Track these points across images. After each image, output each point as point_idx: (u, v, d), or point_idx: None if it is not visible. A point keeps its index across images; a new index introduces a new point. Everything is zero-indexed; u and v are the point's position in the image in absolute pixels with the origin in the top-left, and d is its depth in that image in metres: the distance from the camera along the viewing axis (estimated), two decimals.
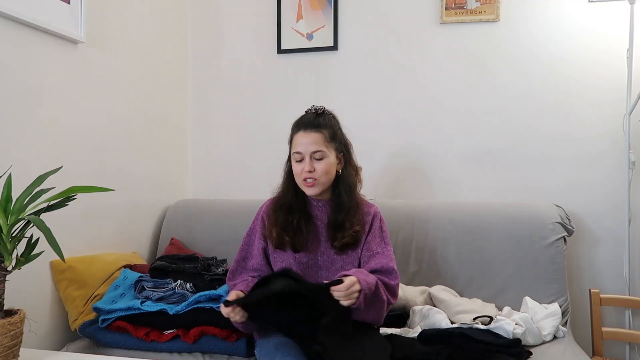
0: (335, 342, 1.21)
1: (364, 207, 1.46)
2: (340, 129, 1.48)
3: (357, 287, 1.20)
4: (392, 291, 1.35)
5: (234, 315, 1.24)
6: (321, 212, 1.46)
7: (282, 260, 1.44)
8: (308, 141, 1.39)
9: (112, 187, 1.22)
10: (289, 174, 1.48)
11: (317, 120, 1.42)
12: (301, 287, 1.20)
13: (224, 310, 1.24)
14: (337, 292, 1.17)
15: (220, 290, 1.51)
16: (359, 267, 1.41)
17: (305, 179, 1.39)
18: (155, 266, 1.60)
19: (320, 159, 1.39)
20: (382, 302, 1.30)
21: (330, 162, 1.40)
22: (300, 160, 1.40)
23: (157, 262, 1.64)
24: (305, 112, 1.47)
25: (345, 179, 1.44)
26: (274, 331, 1.35)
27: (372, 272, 1.36)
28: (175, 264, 1.63)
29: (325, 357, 1.19)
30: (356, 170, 1.49)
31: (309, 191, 1.41)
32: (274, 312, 1.28)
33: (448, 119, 2.13)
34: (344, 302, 1.18)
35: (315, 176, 1.38)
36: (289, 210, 1.43)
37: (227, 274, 1.49)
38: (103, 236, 1.83)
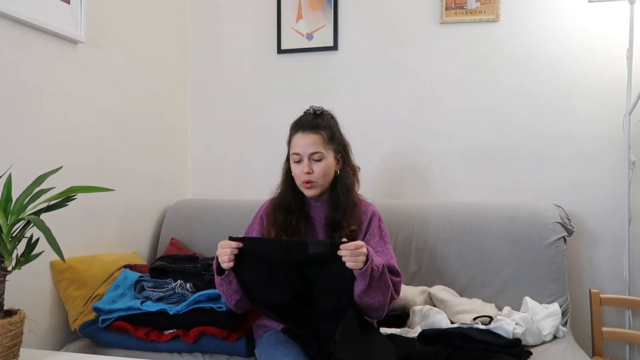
0: (346, 342, 1.19)
1: (361, 207, 1.46)
2: (338, 129, 1.49)
3: (364, 250, 1.18)
4: (395, 287, 1.35)
5: (228, 253, 1.21)
6: (319, 212, 1.46)
7: None
8: (306, 142, 1.40)
9: (112, 187, 1.22)
10: (287, 174, 1.49)
11: (316, 122, 1.43)
12: (307, 243, 1.20)
13: (224, 243, 1.22)
14: (344, 249, 1.16)
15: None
16: None
17: (304, 182, 1.40)
18: (155, 266, 1.60)
19: (319, 160, 1.40)
20: (388, 288, 1.28)
21: (328, 164, 1.41)
22: (299, 162, 1.41)
23: (157, 262, 1.63)
24: (304, 112, 1.48)
25: (343, 179, 1.45)
26: (252, 301, 1.32)
27: None
28: (175, 264, 1.63)
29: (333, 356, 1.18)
30: (354, 170, 1.50)
31: (308, 193, 1.42)
32: (262, 276, 1.26)
33: (448, 118, 2.13)
34: (349, 264, 1.16)
35: (313, 178, 1.39)
36: (288, 211, 1.44)
37: None
38: (103, 236, 1.83)
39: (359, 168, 1.52)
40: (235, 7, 2.36)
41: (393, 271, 1.36)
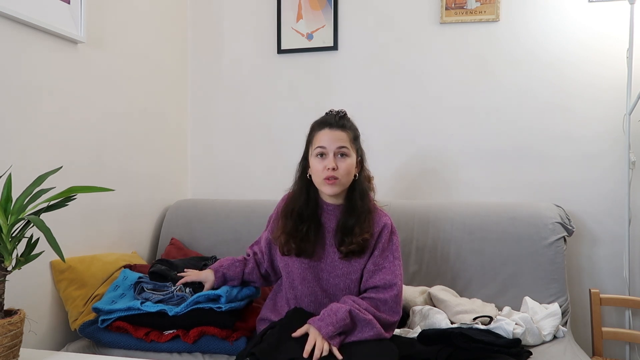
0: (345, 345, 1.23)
1: (375, 216, 1.43)
2: (359, 134, 1.48)
3: (317, 342, 1.21)
4: (386, 305, 1.35)
5: None
6: (331, 216, 1.44)
7: (285, 261, 1.45)
8: (334, 137, 1.37)
9: (112, 187, 1.23)
10: (302, 174, 1.46)
11: (342, 121, 1.42)
12: None
13: None
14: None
15: (219, 291, 1.51)
16: (361, 278, 1.41)
17: (326, 178, 1.36)
18: (155, 270, 1.59)
19: (344, 157, 1.37)
20: (368, 322, 1.28)
21: (352, 163, 1.39)
22: (323, 156, 1.38)
23: (156, 266, 1.60)
24: (326, 113, 1.46)
25: (361, 184, 1.43)
26: None
27: (372, 288, 1.37)
28: (176, 270, 1.60)
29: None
30: (369, 178, 1.48)
31: (329, 190, 1.37)
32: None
33: (447, 118, 2.13)
34: (320, 353, 1.20)
35: (337, 175, 1.36)
36: (299, 217, 1.42)
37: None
38: (103, 236, 1.83)
39: (373, 177, 1.51)
40: (235, 7, 2.36)
41: (386, 287, 1.36)
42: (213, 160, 2.40)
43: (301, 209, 1.42)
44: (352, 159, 1.39)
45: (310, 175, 1.43)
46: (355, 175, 1.42)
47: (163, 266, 1.61)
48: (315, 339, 1.21)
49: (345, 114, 1.45)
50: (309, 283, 1.41)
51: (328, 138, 1.38)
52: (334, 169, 1.35)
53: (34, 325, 1.42)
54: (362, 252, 1.39)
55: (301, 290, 1.42)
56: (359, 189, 1.42)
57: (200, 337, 1.48)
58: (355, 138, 1.43)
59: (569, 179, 2.01)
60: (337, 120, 1.41)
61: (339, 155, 1.37)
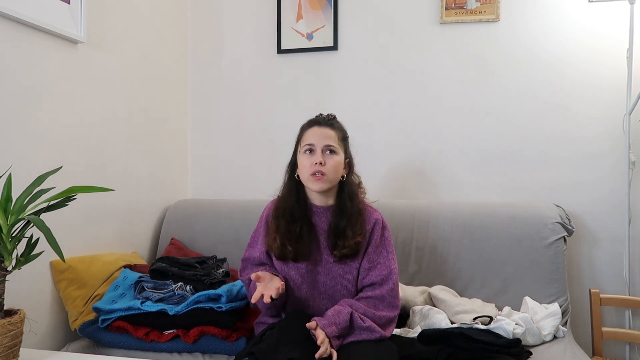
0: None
1: (365, 214, 1.44)
2: (348, 137, 1.48)
3: (324, 344, 1.21)
4: (384, 301, 1.36)
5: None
6: (322, 218, 1.44)
7: (284, 266, 1.43)
8: (322, 135, 1.39)
9: (112, 187, 1.23)
10: (291, 176, 1.46)
11: (331, 121, 1.44)
12: None
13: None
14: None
15: (220, 290, 1.51)
16: (358, 275, 1.41)
17: (314, 173, 1.36)
18: (155, 268, 1.59)
19: (332, 154, 1.39)
20: (366, 328, 1.29)
21: (340, 160, 1.40)
22: (311, 152, 1.39)
23: (157, 264, 1.62)
24: (316, 116, 1.48)
25: (350, 185, 1.44)
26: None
27: (368, 285, 1.38)
28: (176, 267, 1.61)
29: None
30: (358, 184, 1.49)
31: (316, 185, 1.37)
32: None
33: (448, 118, 2.13)
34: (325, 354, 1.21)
35: (324, 170, 1.36)
36: (291, 218, 1.41)
37: (238, 272, 1.52)
38: (103, 236, 1.82)
39: (361, 182, 1.50)
40: (235, 7, 2.36)
41: (382, 284, 1.36)
42: (213, 160, 2.40)
43: (292, 209, 1.42)
44: (340, 157, 1.40)
45: (298, 176, 1.43)
46: (342, 177, 1.43)
47: (164, 263, 1.62)
48: (324, 339, 1.22)
49: (335, 117, 1.47)
50: (307, 287, 1.41)
51: (316, 135, 1.40)
52: (321, 163, 1.36)
53: (34, 325, 1.42)
54: (356, 255, 1.40)
55: (299, 293, 1.42)
56: (347, 190, 1.43)
57: (200, 337, 1.49)
58: (343, 138, 1.45)
59: (569, 179, 2.01)
60: (326, 120, 1.43)
61: (327, 152, 1.38)
